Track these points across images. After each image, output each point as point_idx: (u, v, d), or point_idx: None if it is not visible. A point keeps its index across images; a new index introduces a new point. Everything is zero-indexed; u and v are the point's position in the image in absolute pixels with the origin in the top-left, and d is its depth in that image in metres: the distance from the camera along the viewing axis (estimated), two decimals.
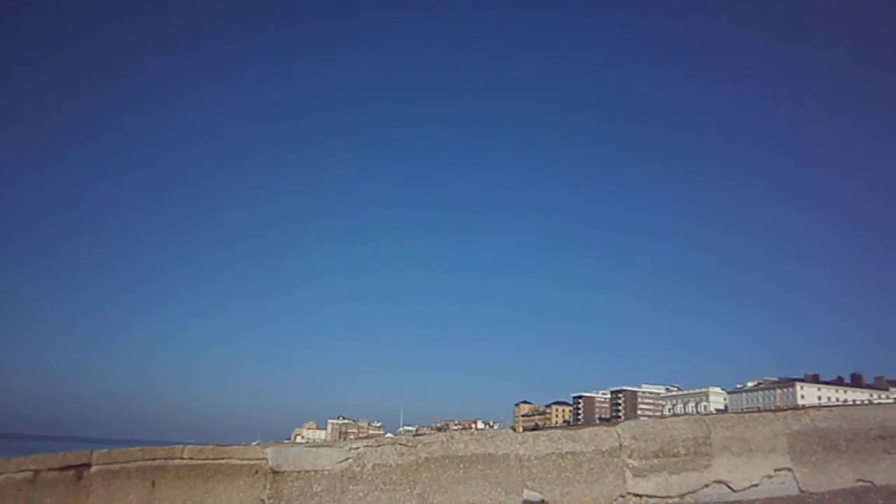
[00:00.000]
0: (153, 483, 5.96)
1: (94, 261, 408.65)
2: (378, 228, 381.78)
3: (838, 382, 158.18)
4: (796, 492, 6.82)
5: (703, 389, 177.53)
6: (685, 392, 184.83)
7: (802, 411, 7.52)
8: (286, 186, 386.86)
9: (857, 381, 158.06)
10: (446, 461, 6.54)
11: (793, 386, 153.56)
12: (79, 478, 5.85)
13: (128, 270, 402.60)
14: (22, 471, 5.76)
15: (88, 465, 5.91)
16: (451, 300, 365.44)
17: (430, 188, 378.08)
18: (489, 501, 6.45)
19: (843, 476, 6.92)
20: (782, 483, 6.86)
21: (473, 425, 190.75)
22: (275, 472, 6.27)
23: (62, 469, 5.84)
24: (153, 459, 6.05)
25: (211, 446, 6.33)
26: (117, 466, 5.96)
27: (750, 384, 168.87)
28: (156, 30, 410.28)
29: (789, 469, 6.93)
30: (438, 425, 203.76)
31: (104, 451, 6.06)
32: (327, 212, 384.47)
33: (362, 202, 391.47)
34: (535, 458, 6.67)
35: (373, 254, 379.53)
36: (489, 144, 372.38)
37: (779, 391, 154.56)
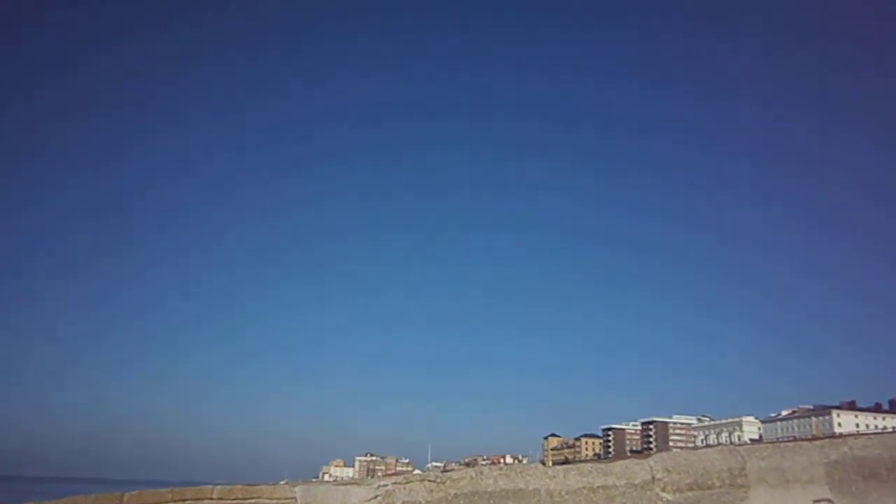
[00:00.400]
0: None
1: (123, 309, 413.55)
2: (405, 255, 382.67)
3: (876, 409, 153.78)
4: None
5: (737, 419, 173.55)
6: (718, 422, 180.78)
7: (840, 440, 7.34)
8: (305, 207, 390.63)
9: (895, 408, 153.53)
10: (476, 497, 6.47)
11: (829, 414, 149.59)
12: None
13: (154, 305, 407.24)
14: None
15: None
16: (477, 333, 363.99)
17: (453, 211, 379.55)
18: None
19: None
20: None
21: (502, 460, 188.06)
22: None
23: None
24: (183, 500, 6.07)
25: (240, 486, 6.35)
26: None
27: (784, 413, 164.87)
28: (166, 48, 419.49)
29: (829, 500, 6.73)
30: (466, 461, 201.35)
31: (135, 492, 6.11)
32: (346, 236, 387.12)
33: (383, 226, 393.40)
34: (566, 493, 6.56)
35: (399, 281, 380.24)
36: (515, 165, 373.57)
37: (814, 419, 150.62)
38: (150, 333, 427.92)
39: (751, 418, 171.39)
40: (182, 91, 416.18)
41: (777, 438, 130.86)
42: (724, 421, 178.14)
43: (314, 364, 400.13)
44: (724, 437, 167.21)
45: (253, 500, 6.21)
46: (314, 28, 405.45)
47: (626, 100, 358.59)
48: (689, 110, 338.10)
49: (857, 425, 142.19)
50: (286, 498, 6.28)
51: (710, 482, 6.70)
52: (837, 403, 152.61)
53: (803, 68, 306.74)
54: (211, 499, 6.13)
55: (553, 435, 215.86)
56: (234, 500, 6.17)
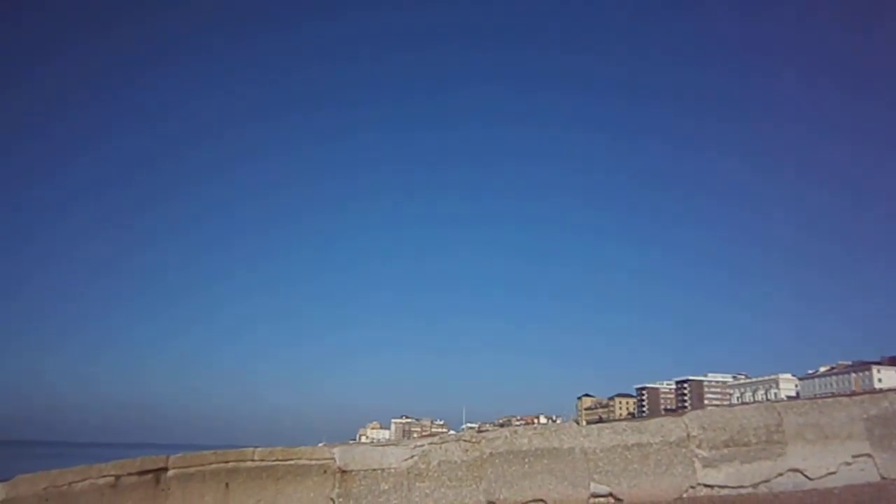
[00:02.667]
0: (227, 485, 6.17)
1: (151, 265, 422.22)
2: (436, 219, 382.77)
3: None
4: (877, 478, 6.56)
5: (773, 376, 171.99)
6: (754, 380, 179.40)
7: (881, 395, 7.23)
8: (324, 179, 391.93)
9: None
10: (511, 456, 6.54)
11: (869, 369, 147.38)
12: (157, 481, 6.11)
13: (189, 274, 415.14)
14: (104, 476, 6.06)
15: (165, 469, 6.16)
16: (509, 294, 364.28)
17: (480, 178, 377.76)
18: (556, 496, 6.42)
19: None
20: (862, 470, 6.61)
21: (536, 420, 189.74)
22: (343, 472, 6.40)
23: (141, 473, 6.11)
24: (226, 462, 6.25)
25: (280, 448, 6.51)
26: (192, 470, 6.19)
27: (822, 369, 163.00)
28: (155, 32, 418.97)
29: (869, 455, 6.67)
30: (501, 421, 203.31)
31: (180, 455, 6.31)
32: (377, 207, 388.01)
33: (407, 192, 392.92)
34: (601, 451, 6.60)
35: (427, 247, 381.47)
36: (532, 134, 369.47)
37: (854, 375, 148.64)
38: (194, 306, 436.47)
39: (788, 375, 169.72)
40: (173, 70, 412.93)
41: (815, 395, 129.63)
42: (760, 378, 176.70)
43: (351, 329, 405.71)
44: (760, 395, 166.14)
45: (293, 462, 6.36)
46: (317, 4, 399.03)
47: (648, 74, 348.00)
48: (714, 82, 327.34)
49: None
50: (325, 458, 6.42)
51: (746, 439, 6.67)
52: (878, 359, 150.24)
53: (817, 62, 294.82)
54: (253, 461, 6.30)
55: (587, 395, 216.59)
56: (274, 461, 6.33)
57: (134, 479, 6.10)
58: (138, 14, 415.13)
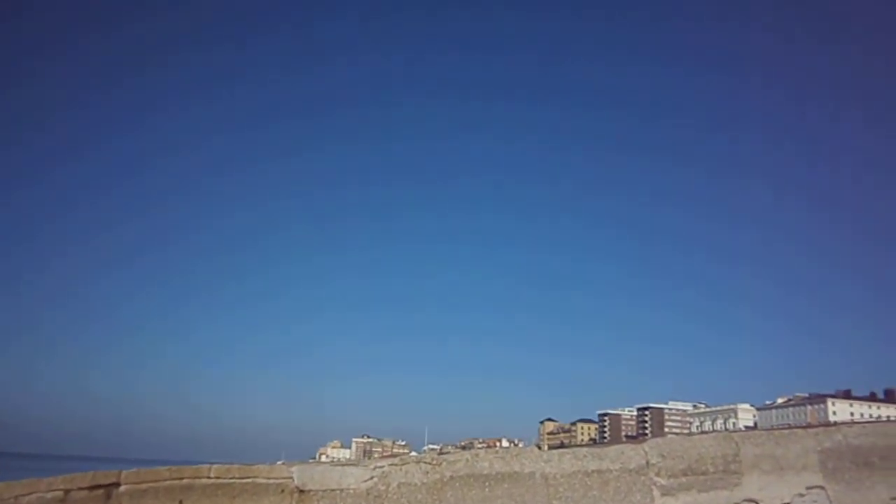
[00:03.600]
0: (180, 502, 5.99)
1: (122, 285, 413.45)
2: (398, 235, 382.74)
3: (871, 398, 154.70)
4: None
5: (732, 406, 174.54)
6: (713, 409, 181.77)
7: (834, 428, 7.37)
8: (297, 189, 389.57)
9: (890, 397, 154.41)
10: (471, 480, 6.49)
11: (824, 402, 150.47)
12: (108, 497, 5.90)
13: (154, 291, 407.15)
14: (53, 490, 5.82)
15: (117, 485, 5.96)
16: (474, 314, 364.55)
17: (446, 192, 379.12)
18: None
19: (877, 494, 6.76)
20: (814, 501, 6.71)
21: (498, 443, 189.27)
22: (301, 492, 6.27)
23: (92, 488, 5.89)
24: (181, 479, 6.08)
25: (237, 466, 6.37)
26: (145, 486, 6.00)
27: (780, 400, 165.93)
28: (158, 33, 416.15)
29: (822, 487, 6.78)
30: (463, 444, 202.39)
31: (132, 470, 6.12)
32: (347, 219, 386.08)
33: (377, 207, 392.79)
34: (562, 477, 6.59)
35: (391, 264, 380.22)
36: (506, 147, 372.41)
37: (809, 407, 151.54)
38: (144, 314, 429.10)
39: (746, 405, 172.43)
40: (172, 74, 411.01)
41: (772, 426, 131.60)
42: (719, 408, 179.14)
43: (311, 346, 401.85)
44: (719, 424, 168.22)
45: (250, 480, 6.22)
46: (314, 9, 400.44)
47: (642, 82, 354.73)
48: (707, 94, 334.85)
49: (852, 414, 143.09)
50: (283, 478, 6.29)
51: (704, 468, 6.73)
52: (833, 392, 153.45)
53: (815, 52, 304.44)
54: (208, 478, 6.14)
55: (549, 419, 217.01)
56: (231, 479, 6.18)
57: (84, 493, 5.87)
58: (139, 15, 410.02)
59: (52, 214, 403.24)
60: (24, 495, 5.78)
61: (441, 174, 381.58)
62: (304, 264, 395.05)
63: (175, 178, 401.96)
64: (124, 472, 6.05)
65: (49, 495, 5.80)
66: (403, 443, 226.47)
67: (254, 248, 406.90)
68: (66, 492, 5.84)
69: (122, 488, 5.96)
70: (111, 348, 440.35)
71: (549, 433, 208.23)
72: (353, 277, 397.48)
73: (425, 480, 6.45)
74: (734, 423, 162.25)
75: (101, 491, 5.90)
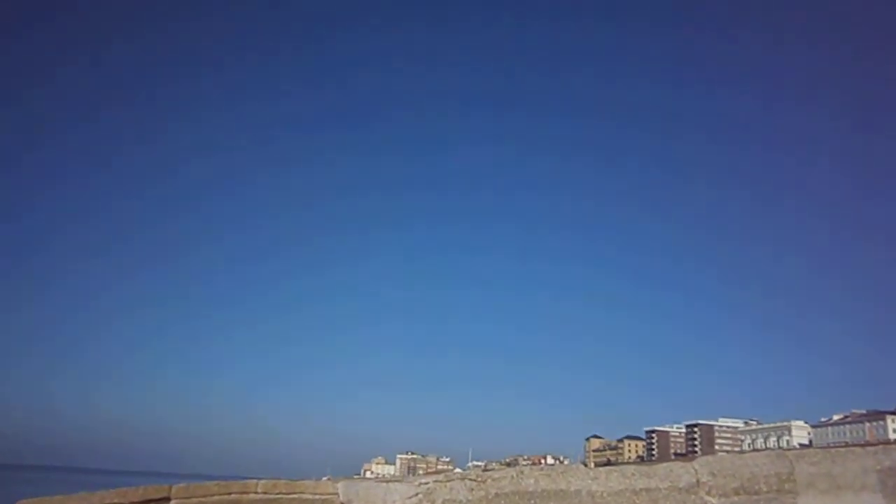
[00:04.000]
0: None
1: (184, 306, 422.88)
2: (447, 248, 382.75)
3: None
4: None
5: (785, 423, 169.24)
6: (765, 426, 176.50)
7: (894, 446, 7.09)
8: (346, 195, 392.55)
9: None
10: (517, 497, 6.45)
11: (883, 419, 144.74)
12: None
13: (199, 300, 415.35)
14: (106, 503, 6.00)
15: (168, 499, 6.11)
16: (520, 331, 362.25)
17: (486, 207, 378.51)
18: None
19: None
20: None
21: (543, 460, 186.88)
22: None
23: (143, 503, 6.04)
24: (229, 493, 6.20)
25: (284, 481, 6.46)
26: (195, 500, 6.14)
27: (836, 417, 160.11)
28: (177, 43, 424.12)
29: None
30: (507, 460, 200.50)
31: (182, 485, 6.26)
32: (387, 228, 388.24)
33: (418, 216, 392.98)
34: (608, 495, 6.50)
35: (441, 281, 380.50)
36: (534, 160, 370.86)
37: (868, 425, 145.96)
38: (204, 333, 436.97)
39: (800, 422, 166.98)
40: (183, 88, 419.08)
41: (828, 444, 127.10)
42: (772, 425, 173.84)
43: (356, 360, 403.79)
44: (772, 442, 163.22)
45: (296, 495, 6.31)
46: (323, 23, 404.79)
47: (644, 96, 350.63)
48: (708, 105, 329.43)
49: None
50: (329, 493, 6.38)
51: (756, 487, 6.56)
52: (892, 409, 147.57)
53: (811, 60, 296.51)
54: (255, 493, 6.25)
55: (595, 436, 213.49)
56: (277, 494, 6.28)
57: None
58: (158, 26, 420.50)
59: (60, 235, 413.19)
60: None
61: (484, 185, 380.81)
62: (348, 274, 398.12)
63: (211, 183, 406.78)
64: (175, 487, 6.19)
65: None
66: (447, 459, 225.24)
67: (296, 257, 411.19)
68: None
69: (173, 503, 6.10)
70: (173, 366, 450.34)
71: (594, 450, 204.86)
72: (400, 293, 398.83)
73: (470, 497, 6.44)
74: (788, 441, 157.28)
75: None
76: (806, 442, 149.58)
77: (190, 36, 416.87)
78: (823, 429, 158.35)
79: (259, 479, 6.45)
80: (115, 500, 6.02)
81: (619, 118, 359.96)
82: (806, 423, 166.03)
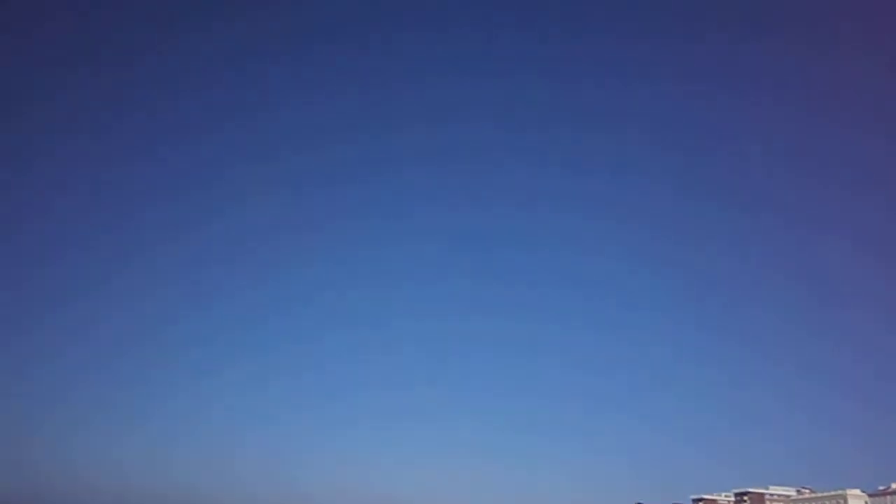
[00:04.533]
0: None
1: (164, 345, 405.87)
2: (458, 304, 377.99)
3: None
4: None
5: (841, 492, 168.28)
6: (819, 494, 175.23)
7: None
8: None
9: None
10: None
11: None
12: None
13: (220, 364, 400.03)
14: None
15: None
16: (560, 389, 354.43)
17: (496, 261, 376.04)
18: None
19: None
20: None
21: None
22: None
23: None
24: None
25: None
26: None
27: (895, 486, 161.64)
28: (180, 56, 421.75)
29: None
30: None
31: None
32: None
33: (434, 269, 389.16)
34: None
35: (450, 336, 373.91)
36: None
37: None
38: (225, 392, 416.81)
39: (857, 491, 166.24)
40: (194, 99, 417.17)
41: None
42: (826, 494, 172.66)
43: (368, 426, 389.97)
44: None
45: None
46: (321, 33, 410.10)
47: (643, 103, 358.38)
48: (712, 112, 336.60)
49: None
50: None
51: None
52: None
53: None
54: None
55: (638, 503, 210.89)
56: None
57: None
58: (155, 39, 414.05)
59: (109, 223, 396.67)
60: None
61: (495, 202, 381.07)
62: (374, 347, 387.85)
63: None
64: None
65: None
66: None
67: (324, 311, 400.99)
68: None
69: None
70: (194, 428, 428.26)
71: None
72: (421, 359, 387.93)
73: None
74: None
75: None
76: None
77: (202, 42, 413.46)
78: (882, 498, 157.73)
79: None
80: None
81: (628, 130, 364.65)
82: (863, 491, 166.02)
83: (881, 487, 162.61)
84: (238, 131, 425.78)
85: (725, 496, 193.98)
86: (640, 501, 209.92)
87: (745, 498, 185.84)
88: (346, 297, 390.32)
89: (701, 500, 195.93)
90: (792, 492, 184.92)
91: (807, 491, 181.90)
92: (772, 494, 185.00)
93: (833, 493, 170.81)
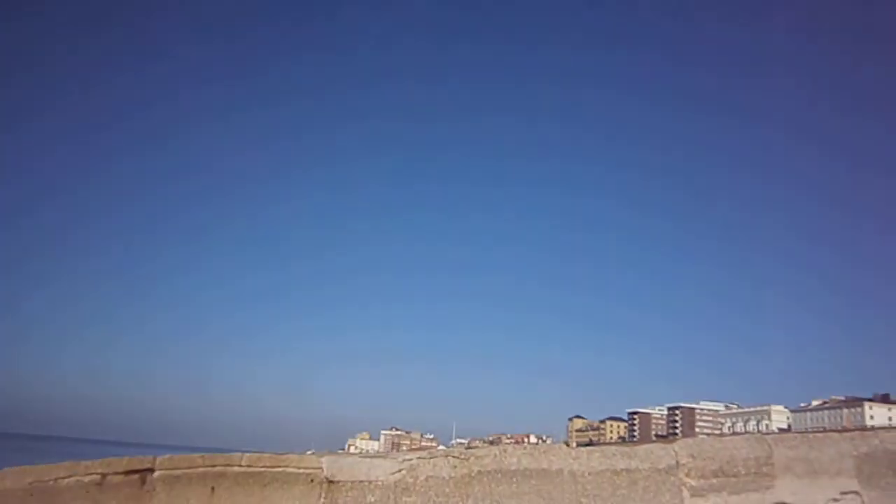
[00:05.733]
0: (212, 489, 6.05)
1: (154, 269, 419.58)
2: (430, 232, 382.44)
3: None
4: None
5: (765, 407, 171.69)
6: (746, 410, 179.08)
7: (871, 432, 7.21)
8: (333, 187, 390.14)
9: None
10: (499, 475, 6.46)
11: (861, 406, 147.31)
12: (143, 482, 5.98)
13: (192, 277, 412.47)
14: (90, 474, 5.92)
15: (152, 470, 6.03)
16: (505, 308, 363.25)
17: (475, 192, 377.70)
18: None
19: None
20: None
21: (526, 439, 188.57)
22: (330, 482, 6.29)
23: (127, 473, 5.98)
24: (213, 466, 6.13)
25: (268, 454, 6.40)
26: (179, 472, 6.06)
27: (815, 403, 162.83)
28: (158, 27, 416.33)
29: (857, 493, 6.63)
30: (490, 439, 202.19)
31: (166, 456, 6.20)
32: (377, 216, 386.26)
33: (406, 205, 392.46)
34: (590, 475, 6.52)
35: (424, 255, 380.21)
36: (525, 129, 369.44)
37: (846, 411, 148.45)
38: (190, 309, 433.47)
39: (780, 407, 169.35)
40: (192, 92, 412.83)
41: (806, 429, 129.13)
42: (752, 409, 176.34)
43: (341, 336, 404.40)
44: (751, 426, 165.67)
45: (280, 469, 6.25)
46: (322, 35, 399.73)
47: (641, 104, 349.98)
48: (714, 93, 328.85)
49: (890, 419, 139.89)
50: (313, 468, 6.31)
51: (735, 469, 6.62)
52: (870, 395, 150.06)
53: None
54: (240, 465, 6.20)
55: (578, 416, 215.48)
56: (262, 467, 6.22)
57: (120, 478, 5.96)
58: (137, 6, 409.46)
59: (81, 216, 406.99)
60: (63, 478, 5.88)
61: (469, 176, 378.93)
62: (337, 252, 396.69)
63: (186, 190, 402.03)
64: (159, 458, 6.13)
65: (87, 479, 5.91)
66: (431, 436, 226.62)
67: (285, 240, 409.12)
68: (103, 476, 5.94)
69: (157, 474, 6.03)
70: (160, 341, 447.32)
71: (577, 430, 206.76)
72: (383, 268, 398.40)
73: (453, 474, 6.44)
74: (767, 426, 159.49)
75: (136, 476, 5.98)
76: (785, 426, 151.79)
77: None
78: (802, 414, 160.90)
79: (244, 452, 6.35)
80: (100, 470, 5.95)
81: (615, 124, 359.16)
82: (785, 407, 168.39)
83: (802, 404, 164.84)
84: None
85: (659, 410, 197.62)
86: (579, 414, 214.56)
87: (677, 412, 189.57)
88: None
89: (636, 413, 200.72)
90: (721, 407, 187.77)
91: (734, 406, 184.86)
92: (702, 409, 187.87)
93: (758, 408, 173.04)
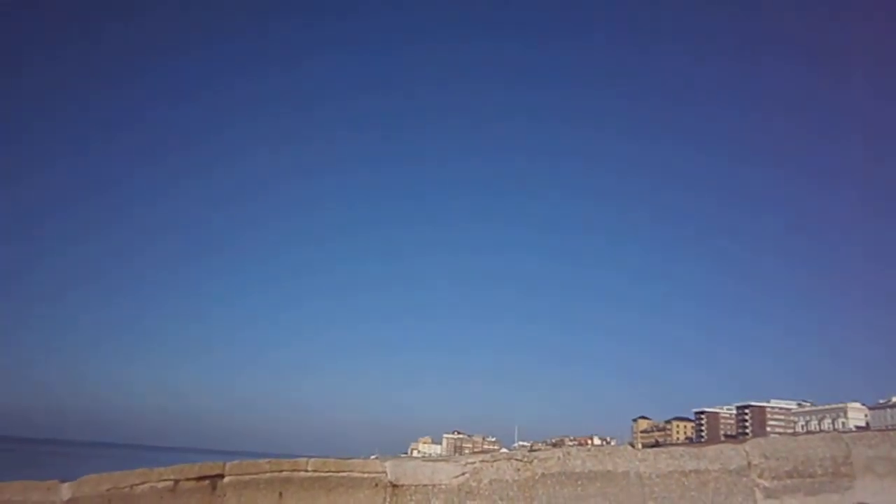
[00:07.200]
0: (280, 494, 6.23)
1: (228, 285, 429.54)
2: (495, 241, 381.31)
3: None
4: None
5: (841, 405, 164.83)
6: (820, 407, 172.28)
7: None
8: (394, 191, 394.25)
9: None
10: (563, 478, 6.42)
11: None
12: (213, 488, 6.23)
13: (241, 282, 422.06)
14: (164, 480, 6.20)
15: (222, 476, 6.27)
16: (567, 308, 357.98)
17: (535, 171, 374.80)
18: None
19: None
20: None
21: (589, 441, 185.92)
22: (394, 486, 6.38)
23: (199, 479, 6.22)
24: (280, 471, 6.32)
25: (333, 459, 6.55)
26: (248, 477, 6.27)
27: (895, 399, 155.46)
28: (161, 27, 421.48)
29: None
30: (553, 441, 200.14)
31: (236, 462, 6.42)
32: (458, 219, 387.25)
33: (454, 186, 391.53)
34: (657, 477, 6.42)
35: (487, 265, 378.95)
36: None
37: None
38: (251, 313, 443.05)
39: (857, 404, 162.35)
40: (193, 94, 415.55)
41: (887, 426, 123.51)
42: (827, 406, 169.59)
43: (406, 343, 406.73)
44: (826, 424, 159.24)
45: (345, 474, 6.38)
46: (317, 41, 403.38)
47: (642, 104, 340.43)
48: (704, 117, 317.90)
49: None
50: (377, 472, 6.42)
51: (811, 470, 6.42)
52: None
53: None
54: (306, 470, 6.35)
55: (643, 417, 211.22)
56: (327, 472, 6.36)
57: (192, 483, 6.21)
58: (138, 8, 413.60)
59: (113, 215, 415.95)
60: (137, 484, 6.17)
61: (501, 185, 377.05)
62: (400, 258, 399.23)
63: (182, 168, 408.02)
64: (228, 464, 6.35)
65: (160, 485, 6.18)
66: (493, 439, 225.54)
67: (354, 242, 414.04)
68: (176, 482, 6.20)
69: (227, 479, 6.25)
70: (217, 350, 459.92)
71: (642, 431, 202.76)
72: (447, 277, 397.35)
73: (517, 478, 6.43)
74: (843, 423, 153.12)
75: (207, 481, 6.23)
76: (863, 424, 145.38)
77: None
78: (882, 411, 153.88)
79: (310, 457, 6.50)
80: (173, 477, 6.21)
81: (616, 125, 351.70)
82: (863, 404, 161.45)
83: (881, 400, 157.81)
84: None
85: (727, 409, 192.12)
86: (644, 415, 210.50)
87: (747, 411, 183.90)
88: None
89: (703, 413, 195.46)
90: (793, 405, 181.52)
91: (807, 404, 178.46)
92: (773, 407, 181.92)
93: (833, 405, 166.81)
